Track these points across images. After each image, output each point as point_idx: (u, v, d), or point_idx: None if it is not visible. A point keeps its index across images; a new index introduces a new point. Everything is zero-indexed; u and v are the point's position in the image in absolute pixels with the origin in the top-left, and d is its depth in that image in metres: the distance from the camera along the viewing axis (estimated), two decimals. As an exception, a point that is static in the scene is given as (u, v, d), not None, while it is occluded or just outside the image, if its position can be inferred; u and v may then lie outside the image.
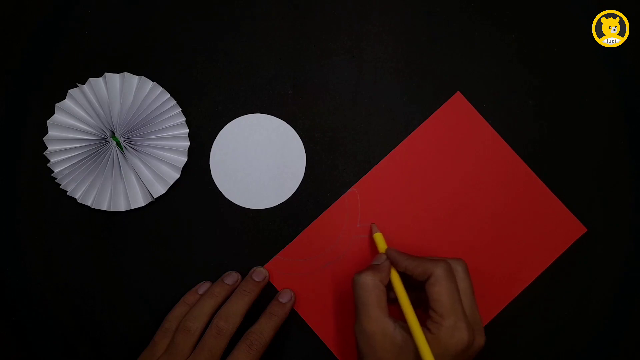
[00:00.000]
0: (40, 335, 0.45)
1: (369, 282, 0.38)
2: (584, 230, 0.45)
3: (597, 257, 0.45)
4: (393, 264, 0.40)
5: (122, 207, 0.44)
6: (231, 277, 0.43)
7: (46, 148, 0.44)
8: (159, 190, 0.44)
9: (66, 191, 0.44)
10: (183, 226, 0.45)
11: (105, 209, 0.44)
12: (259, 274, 0.43)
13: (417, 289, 0.39)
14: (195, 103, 0.45)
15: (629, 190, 0.45)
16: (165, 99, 0.44)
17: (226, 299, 0.42)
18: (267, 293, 0.44)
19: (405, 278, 0.40)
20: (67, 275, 0.45)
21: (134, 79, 0.44)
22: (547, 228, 0.45)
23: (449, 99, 0.45)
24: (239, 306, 0.41)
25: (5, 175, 0.45)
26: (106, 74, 0.44)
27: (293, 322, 0.44)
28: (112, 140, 0.44)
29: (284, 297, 0.43)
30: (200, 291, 0.43)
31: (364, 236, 0.45)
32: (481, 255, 0.45)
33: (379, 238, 0.43)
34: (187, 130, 0.45)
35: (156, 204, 0.45)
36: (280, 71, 0.46)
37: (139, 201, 0.44)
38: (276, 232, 0.45)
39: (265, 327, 0.41)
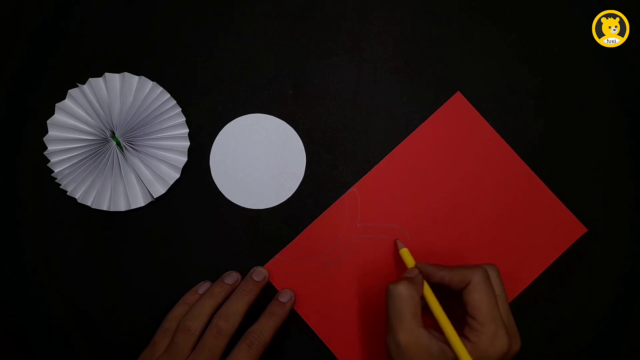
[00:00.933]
0: (40, 335, 0.45)
1: (405, 292, 0.37)
2: (584, 230, 0.45)
3: (597, 257, 0.45)
4: (427, 276, 0.39)
5: (122, 207, 0.44)
6: (231, 277, 0.43)
7: (46, 148, 0.44)
8: (159, 190, 0.44)
9: (66, 191, 0.44)
10: (183, 226, 0.45)
11: (105, 209, 0.44)
12: (259, 273, 0.43)
13: (449, 298, 0.39)
14: (195, 103, 0.45)
15: (629, 190, 0.45)
16: (165, 99, 0.44)
17: (226, 298, 0.42)
18: (267, 293, 0.44)
19: (434, 289, 0.39)
20: (67, 275, 0.45)
21: (134, 79, 0.44)
22: (547, 228, 0.45)
23: (449, 99, 0.45)
24: (238, 306, 0.41)
25: (5, 175, 0.45)
26: (106, 74, 0.44)
27: (293, 322, 0.44)
28: (112, 140, 0.44)
29: (284, 297, 0.43)
30: (200, 291, 0.43)
31: (364, 236, 0.45)
32: (481, 255, 0.45)
33: (405, 254, 0.42)
34: (187, 130, 0.45)
35: (156, 204, 0.45)
36: (280, 71, 0.46)
37: (139, 201, 0.44)
38: (276, 232, 0.45)
39: (265, 327, 0.41)
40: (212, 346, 0.39)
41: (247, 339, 0.40)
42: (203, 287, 0.44)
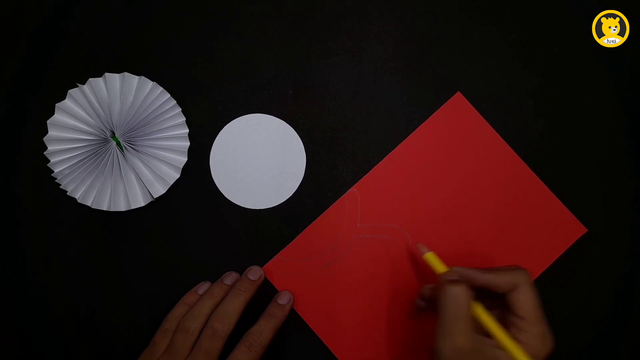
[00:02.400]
0: (40, 335, 0.45)
1: (463, 294, 0.36)
2: (584, 230, 0.45)
3: (597, 257, 0.45)
4: (469, 281, 0.38)
5: (122, 207, 0.44)
6: (230, 278, 0.43)
7: (46, 148, 0.44)
8: (159, 190, 0.44)
9: (66, 191, 0.44)
10: (183, 226, 0.45)
11: (105, 209, 0.44)
12: (255, 272, 0.43)
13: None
14: (195, 103, 0.45)
15: (629, 190, 0.45)
16: (165, 99, 0.44)
17: None
18: (267, 293, 0.44)
19: None
20: (67, 275, 0.45)
21: (134, 79, 0.44)
22: (548, 228, 0.45)
23: (449, 99, 0.45)
24: (234, 305, 0.41)
25: (5, 176, 0.45)
26: (106, 74, 0.44)
27: (293, 322, 0.44)
28: (112, 140, 0.44)
29: (283, 299, 0.43)
30: (200, 291, 0.43)
31: (363, 236, 0.45)
32: (481, 255, 0.45)
33: (432, 258, 0.41)
34: (187, 130, 0.45)
35: (156, 204, 0.45)
36: (280, 71, 0.46)
37: (139, 201, 0.44)
38: (276, 232, 0.45)
39: (265, 329, 0.41)
40: (208, 347, 0.39)
41: (246, 340, 0.40)
42: (203, 287, 0.44)
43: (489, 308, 0.38)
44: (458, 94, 0.45)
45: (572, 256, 0.45)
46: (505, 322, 0.37)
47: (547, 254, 0.45)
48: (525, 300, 0.36)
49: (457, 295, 0.36)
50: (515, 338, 0.36)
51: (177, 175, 0.45)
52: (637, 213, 0.45)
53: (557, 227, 0.45)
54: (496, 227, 0.45)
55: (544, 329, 0.36)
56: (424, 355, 0.43)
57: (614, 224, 0.45)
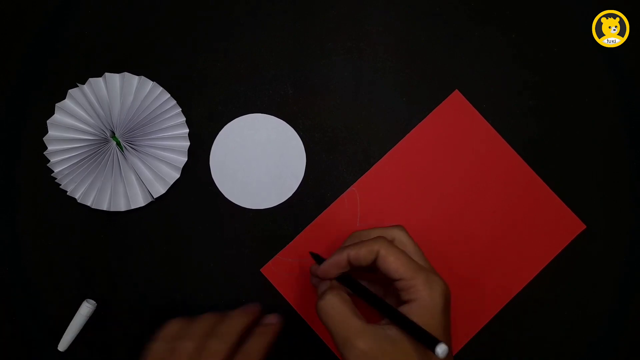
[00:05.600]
0: (40, 335, 0.45)
1: (335, 299, 0.35)
2: (583, 227, 0.45)
3: (596, 254, 0.45)
4: (339, 267, 0.37)
5: (122, 207, 0.44)
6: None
7: (46, 148, 0.44)
8: (159, 190, 0.44)
9: (66, 191, 0.44)
10: (183, 226, 0.45)
11: (105, 209, 0.44)
12: (252, 307, 0.40)
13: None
14: (195, 103, 0.45)
15: (627, 187, 0.45)
16: (165, 99, 0.44)
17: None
18: (267, 293, 0.44)
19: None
20: (67, 275, 0.45)
21: (134, 79, 0.44)
22: (546, 225, 0.45)
23: (447, 97, 0.45)
24: (232, 327, 0.37)
25: (5, 176, 0.45)
26: (106, 74, 0.44)
27: (293, 322, 0.44)
28: (112, 140, 0.44)
29: (273, 320, 0.40)
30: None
31: (364, 236, 0.45)
32: (480, 252, 0.45)
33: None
34: (187, 130, 0.45)
35: (156, 204, 0.45)
36: (280, 71, 0.46)
37: (139, 201, 0.44)
38: (276, 232, 0.45)
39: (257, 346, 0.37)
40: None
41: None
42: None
43: (387, 289, 0.37)
44: (456, 92, 0.45)
45: (571, 253, 0.45)
46: (395, 292, 0.36)
47: (546, 250, 0.45)
48: (393, 261, 0.35)
49: (330, 306, 0.35)
50: (406, 300, 0.35)
51: (177, 175, 0.45)
52: (635, 209, 0.45)
53: (555, 224, 0.45)
54: (495, 224, 0.45)
55: (427, 275, 0.35)
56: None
57: (612, 221, 0.45)
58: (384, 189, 0.45)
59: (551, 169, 0.45)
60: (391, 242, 0.37)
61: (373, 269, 0.37)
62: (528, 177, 0.45)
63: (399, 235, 0.38)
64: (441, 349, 0.30)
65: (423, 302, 0.34)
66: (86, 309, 0.43)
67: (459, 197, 0.45)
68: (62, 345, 0.43)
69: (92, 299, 0.44)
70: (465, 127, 0.45)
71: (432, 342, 0.31)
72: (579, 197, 0.45)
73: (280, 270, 0.45)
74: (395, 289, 0.36)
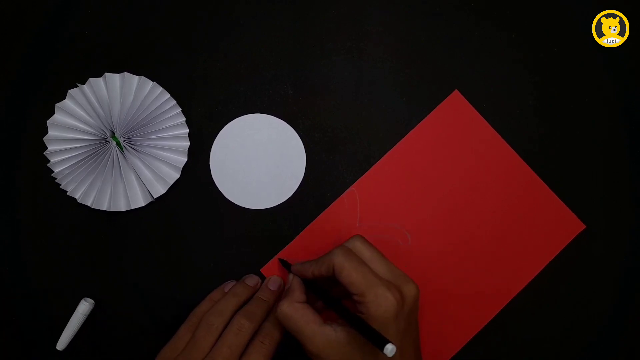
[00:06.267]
0: (40, 335, 0.45)
1: (289, 309, 0.38)
2: (583, 227, 0.45)
3: (596, 254, 0.45)
4: (303, 276, 0.41)
5: (122, 207, 0.44)
6: (252, 280, 0.44)
7: (46, 148, 0.44)
8: (159, 190, 0.44)
9: (66, 191, 0.44)
10: (183, 226, 0.45)
11: (105, 209, 0.44)
12: (274, 283, 0.44)
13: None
14: (195, 103, 0.45)
15: (627, 187, 0.45)
16: (165, 99, 0.44)
17: (247, 299, 0.42)
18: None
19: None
20: (67, 275, 0.45)
21: (134, 79, 0.44)
22: (546, 225, 0.45)
23: (446, 97, 0.45)
24: (259, 310, 0.41)
25: (5, 176, 0.45)
26: (106, 74, 0.44)
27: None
28: (112, 140, 0.44)
29: (274, 285, 0.44)
30: (227, 289, 0.43)
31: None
32: (480, 253, 0.45)
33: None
34: (187, 130, 0.45)
35: (156, 204, 0.45)
36: (280, 71, 0.46)
37: (139, 201, 0.44)
38: (276, 232, 0.45)
39: (269, 324, 0.41)
40: (232, 343, 0.39)
41: (259, 335, 0.40)
42: (228, 285, 0.44)
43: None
44: (455, 92, 0.45)
45: (571, 253, 0.45)
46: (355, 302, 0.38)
47: (546, 250, 0.45)
48: (346, 276, 0.37)
49: (285, 315, 0.38)
50: (360, 312, 0.37)
51: (177, 175, 0.45)
52: (635, 209, 0.45)
53: (555, 224, 0.45)
54: (495, 224, 0.45)
55: (376, 292, 0.36)
56: (423, 352, 0.43)
57: (612, 221, 0.45)
58: (383, 189, 0.45)
59: (551, 169, 0.45)
60: (348, 253, 0.38)
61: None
62: (528, 177, 0.45)
63: (355, 244, 0.40)
64: (389, 348, 0.32)
65: (372, 317, 0.36)
66: (83, 306, 0.43)
67: (459, 197, 0.45)
68: (61, 344, 0.43)
69: (93, 299, 0.44)
70: (465, 127, 0.45)
71: (381, 342, 0.32)
72: (579, 197, 0.45)
73: (280, 270, 0.45)
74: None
